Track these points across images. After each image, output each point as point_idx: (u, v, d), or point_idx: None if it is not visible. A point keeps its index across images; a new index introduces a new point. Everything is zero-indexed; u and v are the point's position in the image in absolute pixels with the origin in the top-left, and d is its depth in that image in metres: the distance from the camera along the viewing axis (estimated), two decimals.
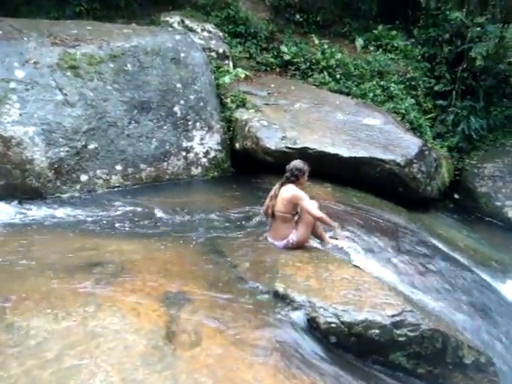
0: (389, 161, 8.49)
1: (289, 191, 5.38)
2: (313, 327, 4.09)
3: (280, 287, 4.45)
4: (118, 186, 7.86)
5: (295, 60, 11.55)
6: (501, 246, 9.52)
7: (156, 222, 6.49)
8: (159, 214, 6.78)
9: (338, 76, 11.39)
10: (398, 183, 8.70)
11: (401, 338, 4.03)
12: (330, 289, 4.45)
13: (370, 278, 4.80)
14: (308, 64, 11.53)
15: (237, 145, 9.18)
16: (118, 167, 7.88)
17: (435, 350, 4.11)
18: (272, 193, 5.54)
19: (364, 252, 6.02)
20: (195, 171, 8.81)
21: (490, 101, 12.47)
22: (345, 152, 8.47)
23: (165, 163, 8.45)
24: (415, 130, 10.86)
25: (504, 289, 7.14)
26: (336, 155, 8.42)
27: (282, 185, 5.49)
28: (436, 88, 12.27)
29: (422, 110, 11.77)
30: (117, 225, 6.26)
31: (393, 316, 4.09)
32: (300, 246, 5.46)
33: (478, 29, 12.28)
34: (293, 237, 5.44)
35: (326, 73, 11.39)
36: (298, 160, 5.61)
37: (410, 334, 4.05)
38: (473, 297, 5.82)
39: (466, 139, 12.00)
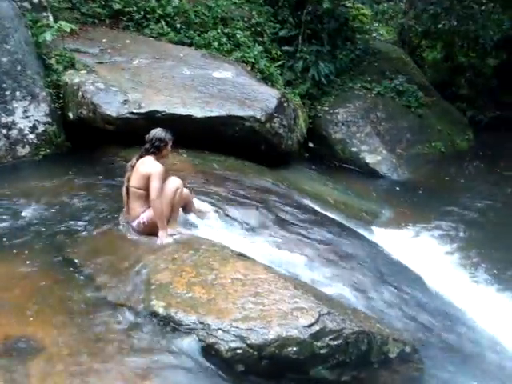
0: (248, 117, 7.63)
1: (145, 165, 4.68)
2: (212, 356, 3.20)
3: (159, 307, 3.51)
4: None
5: (127, 9, 10.06)
6: (365, 194, 9.38)
7: None
8: None
9: (177, 25, 10.19)
10: (260, 141, 7.92)
11: (322, 351, 3.27)
12: (222, 299, 3.55)
13: (266, 272, 3.95)
14: (142, 13, 10.11)
15: (70, 114, 7.71)
16: None
17: (360, 353, 3.43)
18: (128, 166, 4.84)
19: (241, 231, 5.20)
20: (22, 151, 7.26)
21: (334, 44, 12.15)
22: (198, 112, 7.44)
23: None
24: (266, 79, 10.14)
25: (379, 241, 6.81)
26: (189, 117, 7.37)
27: (141, 157, 4.77)
28: (281, 33, 11.59)
29: (271, 58, 11.05)
30: None
31: (310, 326, 3.30)
32: (153, 227, 4.60)
33: None
34: (144, 215, 4.65)
35: (163, 22, 10.13)
36: (159, 128, 4.86)
37: (332, 343, 3.30)
38: (365, 262, 5.28)
39: (316, 85, 11.58)
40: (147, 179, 4.57)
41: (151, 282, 3.83)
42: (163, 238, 4.54)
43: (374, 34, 15.62)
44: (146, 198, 4.64)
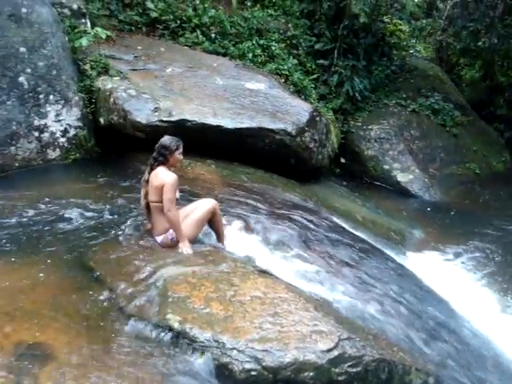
0: (279, 130, 7.53)
1: (158, 177, 4.51)
2: (224, 376, 3.05)
3: (174, 322, 3.37)
4: None
5: (164, 17, 10.08)
6: (395, 213, 9.16)
7: None
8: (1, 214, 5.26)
9: (212, 35, 10.16)
10: (290, 155, 7.81)
11: (340, 377, 3.09)
12: (240, 317, 3.40)
13: (286, 291, 3.80)
14: (178, 22, 10.12)
15: (101, 120, 7.70)
16: None
17: (380, 382, 3.25)
18: (143, 179, 4.72)
19: (265, 246, 5.08)
20: (53, 154, 7.26)
21: (370, 60, 12.00)
22: (229, 123, 7.37)
23: (12, 147, 6.89)
24: (300, 92, 10.05)
25: (407, 263, 6.58)
26: (219, 127, 7.30)
27: (152, 168, 4.60)
28: (317, 46, 11.49)
29: (305, 71, 10.94)
30: None
31: (328, 351, 3.13)
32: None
33: None
34: (172, 232, 4.51)
35: (199, 31, 10.11)
36: (166, 136, 4.71)
37: (351, 370, 3.13)
38: (391, 287, 5.08)
39: (350, 100, 11.44)
40: (162, 190, 4.45)
41: (168, 294, 3.72)
42: (184, 248, 4.44)
43: (411, 51, 15.38)
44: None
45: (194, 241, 4.63)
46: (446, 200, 10.18)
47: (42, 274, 4.08)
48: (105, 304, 3.75)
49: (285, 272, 4.65)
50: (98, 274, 4.18)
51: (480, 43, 13.85)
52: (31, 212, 5.36)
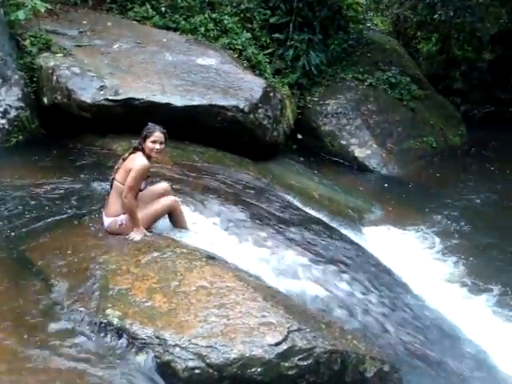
0: (231, 107, 7.27)
1: (131, 159, 4.37)
2: (168, 375, 2.86)
3: (114, 317, 3.17)
4: None
5: None
6: (353, 189, 9.05)
7: None
8: None
9: (162, 9, 9.74)
10: (243, 132, 7.57)
11: (290, 372, 2.93)
12: (184, 310, 3.21)
13: (234, 279, 3.61)
14: None
15: (44, 99, 7.30)
16: None
17: (333, 373, 3.10)
18: (120, 159, 4.53)
19: (214, 228, 4.88)
20: None
21: (326, 33, 11.77)
22: (178, 100, 7.08)
23: None
24: (254, 67, 9.78)
25: (364, 242, 6.47)
26: (168, 105, 7.01)
27: (132, 151, 4.45)
28: (272, 20, 11.16)
29: (260, 46, 10.65)
30: None
31: (277, 344, 2.96)
32: (128, 230, 4.33)
33: None
34: (124, 217, 4.31)
35: (148, 5, 9.68)
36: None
37: (301, 363, 2.96)
38: (346, 269, 4.93)
39: (306, 75, 11.21)
40: (128, 173, 4.25)
41: (109, 286, 3.50)
42: (137, 234, 4.25)
43: (368, 24, 15.22)
44: None
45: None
46: (404, 175, 10.11)
47: None
48: (41, 300, 3.51)
49: (235, 256, 4.47)
50: (36, 265, 3.94)
51: (436, 16, 13.78)
52: None
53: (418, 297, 5.15)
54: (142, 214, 4.36)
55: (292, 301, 3.84)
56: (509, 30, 14.82)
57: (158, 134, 4.34)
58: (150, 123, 4.46)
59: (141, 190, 4.38)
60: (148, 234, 4.34)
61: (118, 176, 4.34)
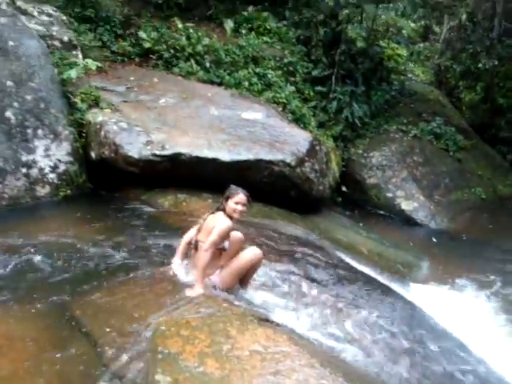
0: (278, 162, 7.18)
1: (213, 219, 4.34)
2: None
3: (164, 383, 2.94)
4: None
5: (157, 47, 9.83)
6: (401, 243, 8.78)
7: None
8: None
9: (207, 64, 9.88)
10: (290, 186, 7.46)
11: None
12: (238, 376, 2.97)
13: (289, 343, 3.38)
14: (172, 52, 9.86)
15: (92, 154, 7.38)
16: None
17: None
18: (201, 220, 4.52)
19: (265, 289, 4.69)
20: (42, 191, 6.88)
21: (368, 85, 11.77)
22: (225, 155, 7.03)
23: None
24: (298, 120, 9.77)
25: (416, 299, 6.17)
26: (215, 160, 6.97)
27: (214, 212, 4.43)
28: (314, 73, 11.25)
29: (303, 98, 10.67)
30: None
31: None
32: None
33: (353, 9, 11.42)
34: (217, 280, 4.30)
35: (193, 61, 9.84)
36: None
37: None
38: (401, 328, 4.67)
39: (350, 127, 11.16)
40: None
41: (158, 348, 3.32)
42: (194, 291, 4.11)
43: (410, 75, 15.19)
44: (215, 256, 4.26)
45: (233, 289, 4.38)
46: (453, 227, 9.82)
47: (22, 329, 3.70)
48: (87, 361, 3.36)
49: (287, 318, 4.28)
50: (84, 325, 3.80)
51: (480, 65, 13.64)
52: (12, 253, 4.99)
53: (476, 356, 4.84)
54: (227, 272, 4.31)
55: (349, 366, 3.60)
56: None
57: (241, 196, 4.32)
58: (232, 185, 4.46)
59: (224, 250, 4.32)
60: (203, 292, 4.21)
61: (201, 236, 4.32)
